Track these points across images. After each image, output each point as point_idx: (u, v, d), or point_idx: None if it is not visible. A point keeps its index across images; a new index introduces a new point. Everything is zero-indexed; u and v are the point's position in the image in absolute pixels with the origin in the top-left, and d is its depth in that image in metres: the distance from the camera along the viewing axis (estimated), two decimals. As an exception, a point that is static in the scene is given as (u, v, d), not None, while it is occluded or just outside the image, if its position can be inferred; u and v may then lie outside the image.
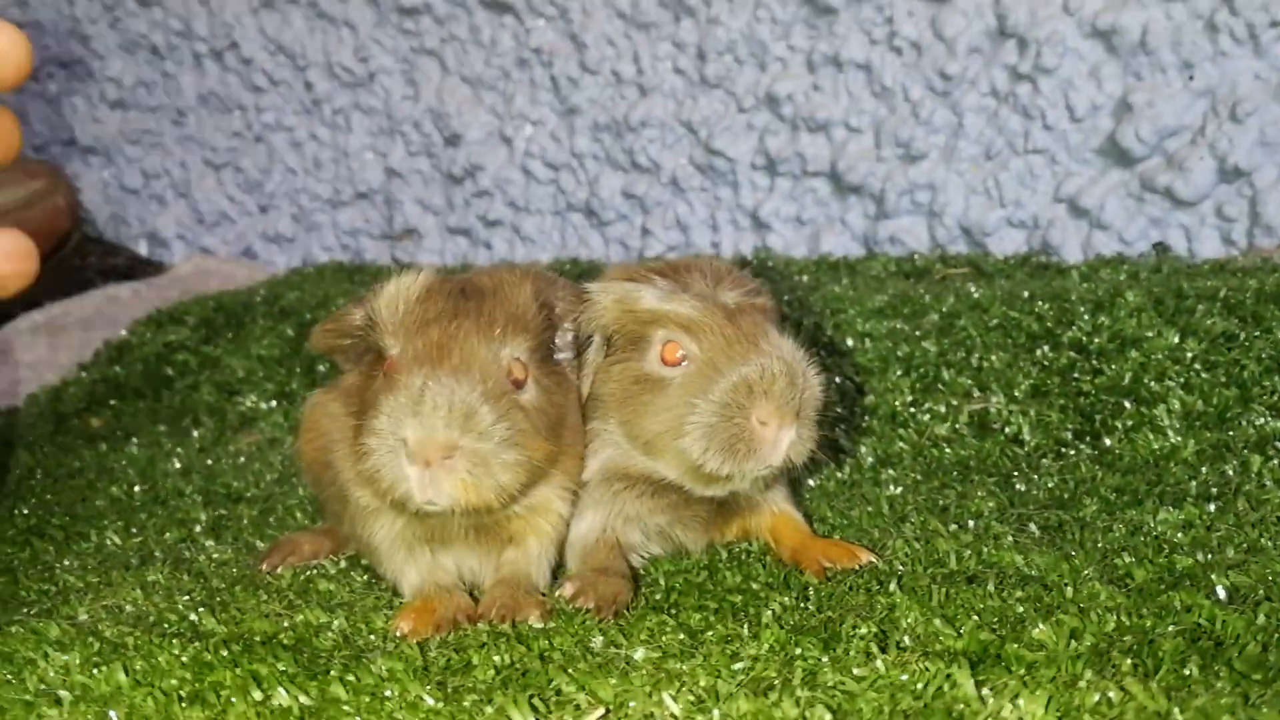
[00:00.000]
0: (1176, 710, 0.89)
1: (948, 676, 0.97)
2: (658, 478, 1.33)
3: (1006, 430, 1.82)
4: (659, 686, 1.00)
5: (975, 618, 1.10)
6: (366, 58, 3.47)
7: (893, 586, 1.21)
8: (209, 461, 2.16)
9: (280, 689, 1.06)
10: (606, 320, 1.31)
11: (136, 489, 1.97)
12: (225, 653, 1.16)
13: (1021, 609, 1.12)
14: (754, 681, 1.01)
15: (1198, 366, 1.79)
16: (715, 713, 0.96)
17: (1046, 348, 1.92)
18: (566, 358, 1.32)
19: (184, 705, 1.05)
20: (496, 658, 1.11)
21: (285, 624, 1.26)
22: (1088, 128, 2.52)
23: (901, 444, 1.84)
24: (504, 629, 1.20)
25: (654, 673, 1.04)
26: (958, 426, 1.85)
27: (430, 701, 1.02)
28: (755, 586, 1.29)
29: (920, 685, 0.97)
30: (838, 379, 1.94)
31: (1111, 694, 0.92)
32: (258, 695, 1.06)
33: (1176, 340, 1.84)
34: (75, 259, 3.61)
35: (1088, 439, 1.76)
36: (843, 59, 2.77)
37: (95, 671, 1.14)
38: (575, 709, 1.00)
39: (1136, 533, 1.35)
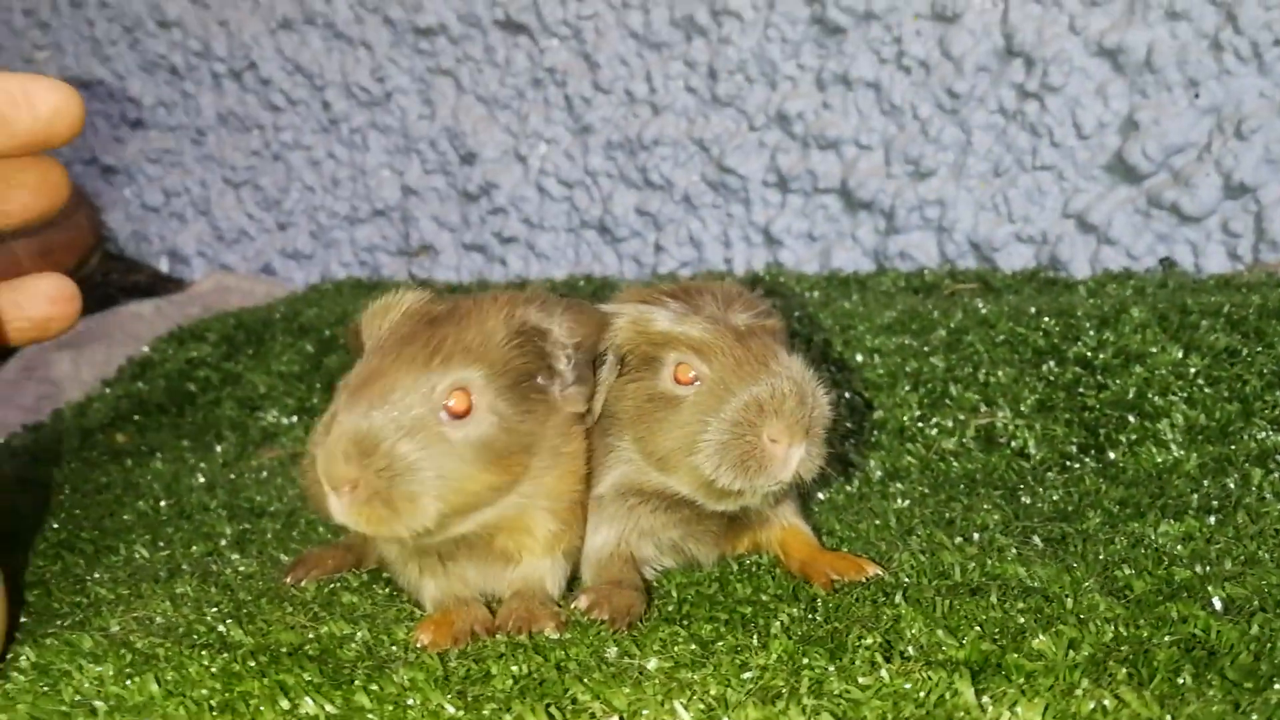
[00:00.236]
0: (1169, 717, 0.92)
1: (949, 685, 0.99)
2: (671, 493, 1.35)
3: (1012, 444, 1.84)
4: (671, 695, 1.02)
5: (977, 628, 1.12)
6: (383, 78, 3.51)
7: (898, 598, 1.23)
8: (232, 476, 2.18)
9: (307, 698, 1.08)
10: (620, 340, 1.33)
11: (162, 504, 1.99)
12: (253, 663, 1.18)
13: (1023, 620, 1.14)
14: (762, 690, 1.03)
15: (1201, 381, 1.82)
16: None
17: (1052, 363, 1.95)
18: (562, 383, 1.29)
19: (215, 714, 1.08)
20: (514, 668, 1.12)
21: (310, 635, 1.28)
22: (1095, 145, 2.55)
23: (909, 458, 1.86)
24: (521, 640, 1.21)
25: (666, 682, 1.06)
26: (965, 441, 1.88)
27: (451, 710, 1.05)
28: (765, 598, 1.31)
29: (923, 693, 0.99)
30: (847, 394, 1.97)
31: (1107, 702, 0.94)
32: (285, 704, 1.08)
33: (1180, 355, 1.87)
34: (98, 276, 3.65)
35: (1092, 452, 1.78)
36: (852, 78, 2.80)
37: (128, 682, 1.16)
38: (590, 717, 1.02)
39: (1137, 545, 1.37)
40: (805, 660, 1.09)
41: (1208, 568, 1.26)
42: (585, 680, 1.08)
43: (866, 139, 2.84)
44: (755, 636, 1.17)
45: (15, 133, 1.24)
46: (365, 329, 1.31)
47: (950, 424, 1.91)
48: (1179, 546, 1.35)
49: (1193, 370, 1.84)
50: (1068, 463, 1.78)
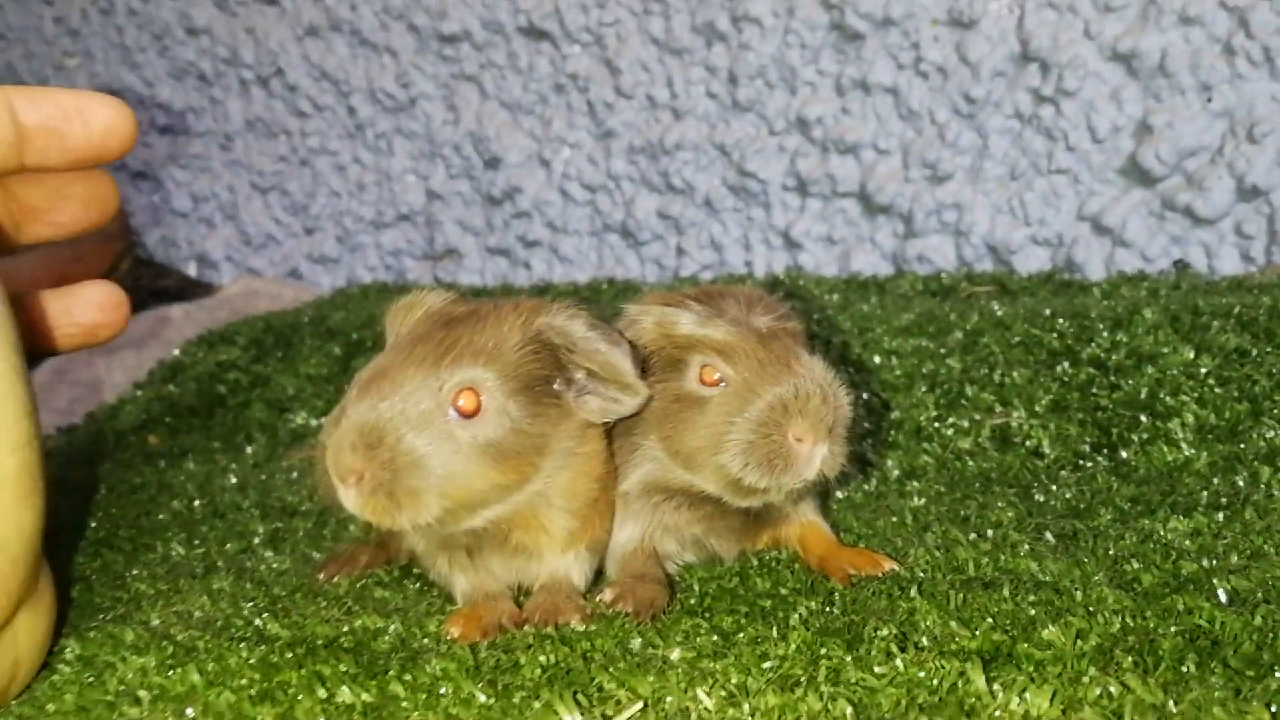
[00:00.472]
0: (1171, 704, 0.95)
1: (961, 673, 1.02)
2: (696, 490, 1.37)
3: (1027, 444, 1.86)
4: (693, 683, 1.05)
5: (989, 620, 1.14)
6: (408, 84, 3.54)
7: (913, 592, 1.25)
8: (263, 477, 2.20)
9: (343, 688, 1.11)
10: (645, 341, 1.35)
11: (196, 503, 2.01)
12: (290, 655, 1.21)
13: (1033, 612, 1.16)
14: (782, 679, 1.06)
15: (1211, 381, 1.84)
16: (745, 707, 1.01)
17: (1066, 364, 1.97)
18: (577, 390, 1.30)
19: (255, 703, 1.11)
20: (542, 658, 1.15)
21: (345, 628, 1.31)
22: (1109, 148, 2.57)
23: (926, 457, 1.87)
24: (549, 631, 1.24)
25: (689, 671, 1.08)
26: (980, 440, 1.89)
27: (482, 698, 1.07)
28: (784, 592, 1.33)
29: (936, 681, 1.02)
30: (865, 395, 1.99)
31: (1112, 689, 0.97)
32: (322, 693, 1.11)
33: (1192, 356, 1.88)
34: (128, 281, 3.67)
35: (1105, 451, 1.80)
36: (871, 83, 2.82)
37: (170, 673, 1.20)
38: (616, 704, 1.05)
39: (1147, 540, 1.39)
40: (823, 650, 1.11)
41: (1214, 562, 1.28)
42: (611, 669, 1.10)
43: (885, 143, 2.85)
44: (775, 628, 1.18)
45: (69, 148, 1.29)
46: (388, 326, 1.34)
47: (966, 424, 1.93)
48: (1187, 541, 1.37)
49: (1204, 370, 1.85)
50: (1081, 461, 1.80)
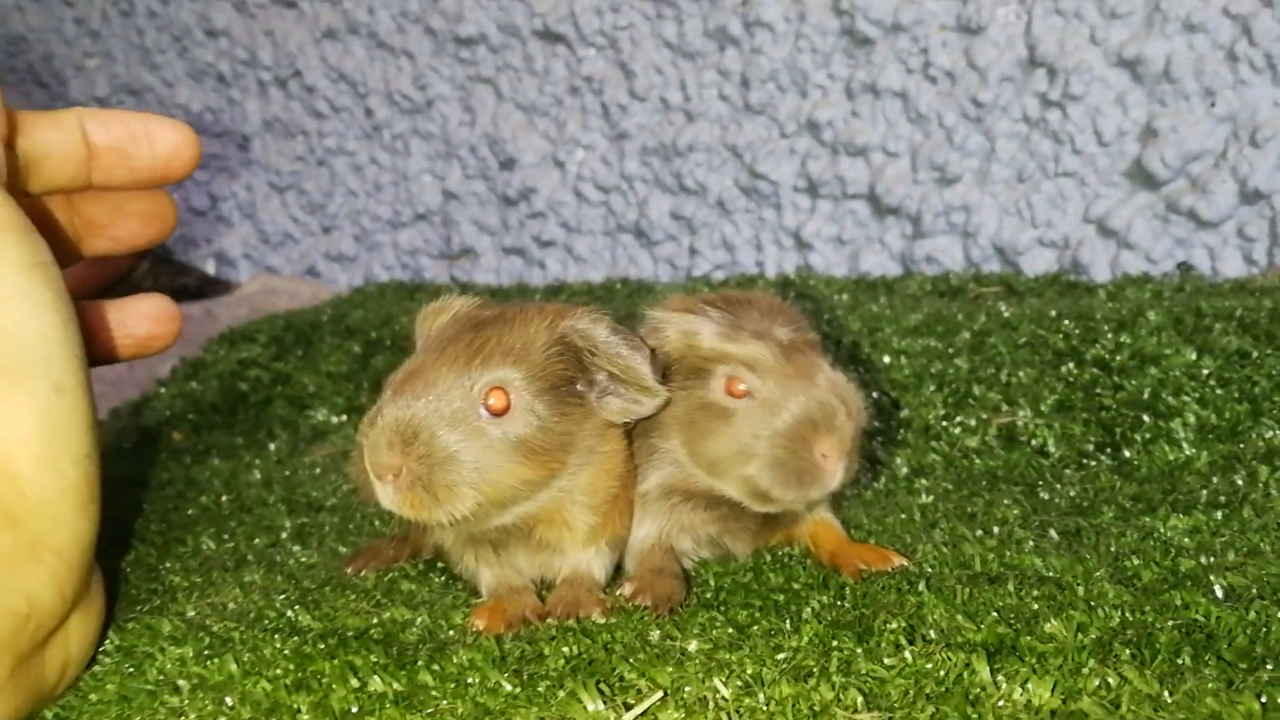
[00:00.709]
0: (1166, 694, 0.97)
1: (967, 665, 1.05)
2: (714, 494, 1.40)
3: (1033, 442, 1.88)
4: (711, 674, 1.07)
5: (994, 614, 1.17)
6: (425, 85, 3.55)
7: (921, 586, 1.28)
8: (286, 473, 2.22)
9: (375, 677, 1.14)
10: (669, 349, 1.37)
11: (223, 498, 2.03)
12: (323, 645, 1.24)
13: (1037, 606, 1.18)
14: (795, 669, 1.08)
15: (1213, 382, 1.86)
16: (761, 696, 1.04)
17: (1072, 364, 1.99)
18: (600, 391, 1.32)
19: (290, 692, 1.14)
20: (565, 649, 1.17)
21: (374, 620, 1.34)
22: (1115, 152, 2.59)
23: (934, 455, 1.89)
24: (571, 624, 1.26)
25: (706, 662, 1.11)
26: (987, 439, 1.91)
27: (508, 687, 1.10)
28: (797, 586, 1.36)
29: (942, 673, 1.05)
30: (874, 394, 2.00)
31: (1110, 679, 1.00)
32: (355, 683, 1.14)
33: (1194, 357, 1.91)
34: (148, 280, 3.71)
35: (1108, 450, 1.82)
36: (880, 87, 2.84)
37: (208, 663, 1.22)
38: (636, 693, 1.07)
39: (1147, 538, 1.41)
40: (835, 643, 1.13)
41: (1212, 559, 1.31)
42: (631, 660, 1.12)
43: (894, 146, 2.86)
44: (788, 621, 1.21)
45: (135, 168, 1.34)
46: (417, 330, 1.37)
47: (973, 423, 1.95)
48: (1186, 539, 1.40)
49: (1205, 372, 1.87)
50: (1085, 460, 1.82)
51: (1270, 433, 1.75)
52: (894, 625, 1.16)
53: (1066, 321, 2.09)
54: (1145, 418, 1.84)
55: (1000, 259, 2.78)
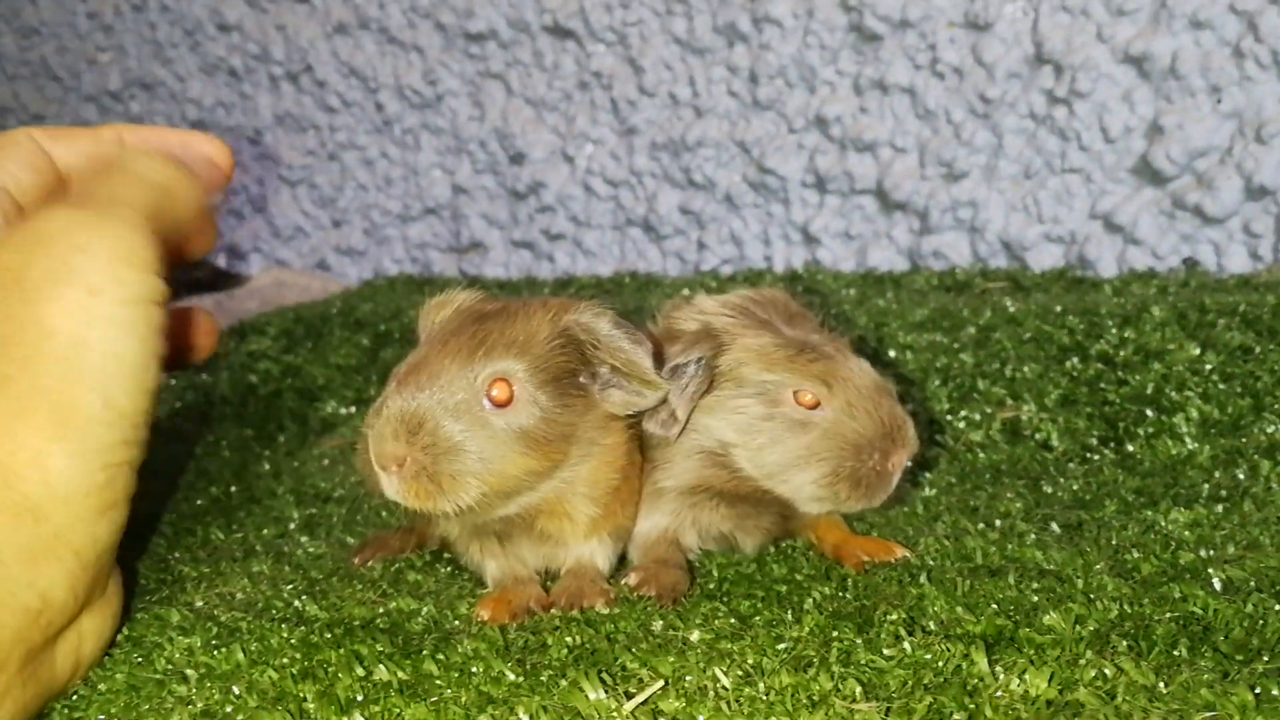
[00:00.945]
0: (1162, 685, 0.98)
1: (965, 656, 1.05)
2: (745, 492, 1.42)
3: (1036, 437, 1.89)
4: (712, 663, 1.08)
5: (994, 606, 1.18)
6: (435, 80, 3.55)
7: (922, 578, 1.29)
8: (295, 464, 2.23)
9: (380, 666, 1.15)
10: (721, 361, 1.39)
11: (233, 489, 2.05)
12: (329, 635, 1.25)
13: (1036, 598, 1.19)
14: (795, 659, 1.09)
15: (1215, 378, 1.86)
16: (761, 686, 1.04)
17: (1076, 359, 1.99)
18: (602, 383, 1.33)
19: (297, 681, 1.14)
20: (569, 639, 1.19)
21: (380, 610, 1.35)
22: (1121, 148, 2.58)
23: (938, 449, 1.90)
24: (574, 614, 1.28)
25: (707, 651, 1.12)
26: (991, 433, 1.93)
27: (512, 676, 1.11)
28: (799, 578, 1.37)
29: (941, 663, 1.06)
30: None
31: (1107, 670, 1.01)
32: (360, 672, 1.15)
33: (1197, 353, 1.91)
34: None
35: (1111, 445, 1.83)
36: (888, 83, 2.84)
37: (216, 652, 1.24)
38: (638, 682, 1.07)
39: (1148, 531, 1.42)
40: (835, 633, 1.14)
41: (1211, 552, 1.32)
42: (633, 650, 1.13)
43: (902, 142, 2.87)
44: (790, 612, 1.22)
45: None
46: (421, 323, 1.39)
47: (978, 417, 1.96)
48: (1186, 532, 1.41)
49: (1208, 367, 1.88)
50: (1088, 454, 1.83)
51: (1272, 427, 1.75)
52: (894, 616, 1.17)
53: (1071, 317, 2.09)
54: (1148, 412, 1.85)
55: (1007, 254, 2.78)
